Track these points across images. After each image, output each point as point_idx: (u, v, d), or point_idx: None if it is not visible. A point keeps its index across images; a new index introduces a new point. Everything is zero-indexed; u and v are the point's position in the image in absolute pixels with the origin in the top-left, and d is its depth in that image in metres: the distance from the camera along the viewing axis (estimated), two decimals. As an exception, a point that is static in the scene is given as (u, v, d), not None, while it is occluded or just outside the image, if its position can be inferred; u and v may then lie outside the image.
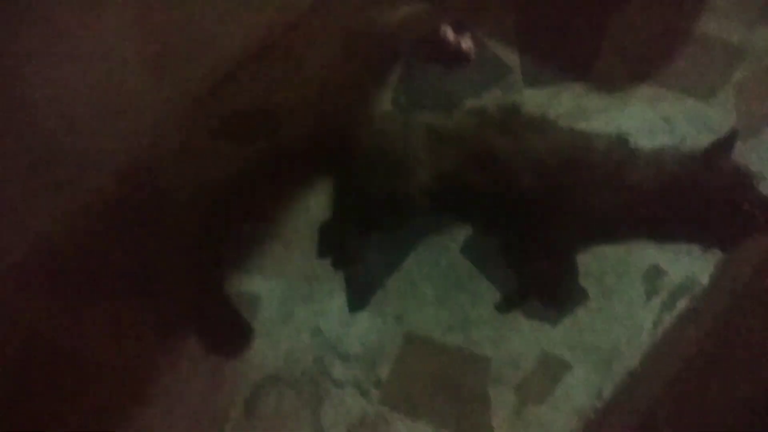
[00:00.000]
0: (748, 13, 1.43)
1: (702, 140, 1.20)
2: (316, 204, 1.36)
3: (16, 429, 1.16)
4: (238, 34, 1.56)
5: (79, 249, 1.37)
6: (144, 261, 1.34)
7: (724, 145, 1.14)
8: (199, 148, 1.48)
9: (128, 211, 1.41)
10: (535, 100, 1.41)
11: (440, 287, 1.19)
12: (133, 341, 1.24)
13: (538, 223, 1.18)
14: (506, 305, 1.14)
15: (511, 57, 1.51)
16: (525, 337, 1.10)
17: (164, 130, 1.50)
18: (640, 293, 1.10)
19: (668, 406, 1.48)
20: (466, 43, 1.53)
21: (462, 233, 1.26)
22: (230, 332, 1.23)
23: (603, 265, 1.15)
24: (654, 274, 1.12)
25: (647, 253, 1.14)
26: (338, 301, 1.22)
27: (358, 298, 1.21)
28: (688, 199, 1.11)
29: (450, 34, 1.54)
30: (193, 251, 1.33)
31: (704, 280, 1.10)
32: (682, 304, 1.08)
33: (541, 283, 1.13)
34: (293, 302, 1.24)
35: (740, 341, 1.56)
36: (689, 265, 1.11)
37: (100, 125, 1.37)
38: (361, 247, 1.28)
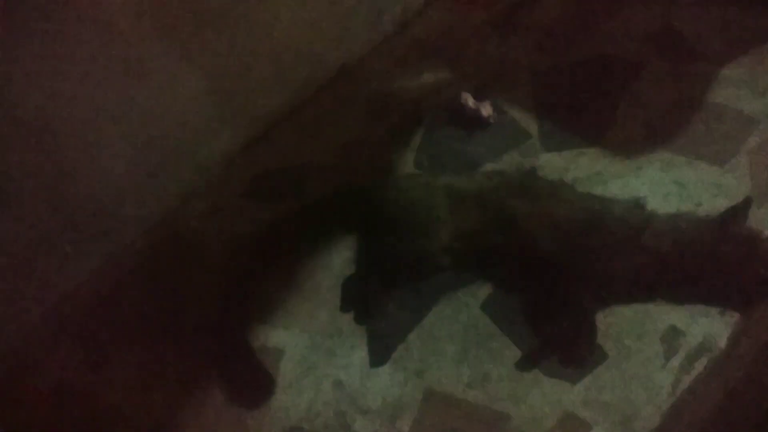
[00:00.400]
0: (758, 82, 1.49)
1: (716, 204, 1.24)
2: (339, 260, 1.41)
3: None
4: (270, 94, 1.66)
5: (107, 301, 1.42)
6: (171, 314, 1.38)
7: (739, 211, 1.17)
8: (228, 206, 1.55)
9: (157, 266, 1.48)
10: (552, 164, 1.47)
11: (460, 343, 1.22)
12: (159, 391, 1.27)
13: (557, 284, 1.21)
14: (526, 363, 1.16)
15: (529, 123, 1.58)
16: (545, 396, 1.11)
17: (196, 189, 1.58)
18: (659, 353, 1.11)
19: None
20: (486, 110, 1.61)
21: (482, 291, 1.29)
22: (253, 383, 1.25)
23: (622, 325, 1.16)
24: (672, 335, 1.13)
25: (665, 315, 1.16)
26: (360, 355, 1.25)
27: (379, 353, 1.24)
28: (704, 263, 1.14)
29: (470, 100, 1.62)
30: (220, 305, 1.38)
31: (722, 342, 1.11)
32: (700, 365, 1.09)
33: (560, 342, 1.15)
34: (316, 356, 1.27)
35: (758, 398, 1.54)
36: (707, 327, 1.13)
37: (136, 183, 1.45)
38: (384, 303, 1.31)
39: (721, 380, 1.26)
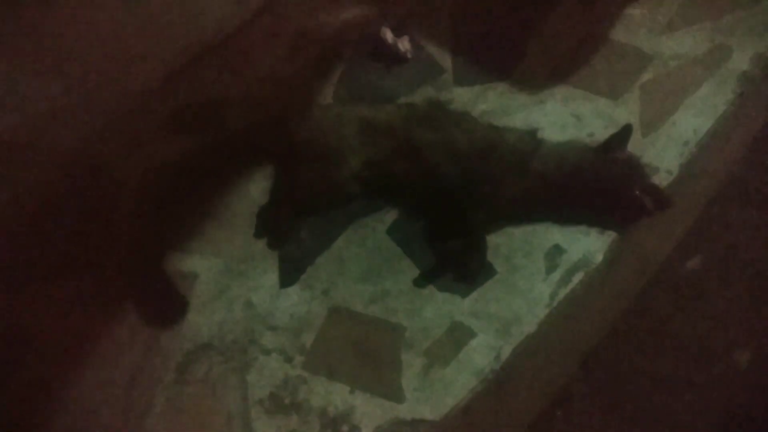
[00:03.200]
0: (657, 23, 1.57)
1: (607, 135, 1.32)
2: (256, 189, 1.45)
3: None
4: (191, 28, 1.65)
5: (25, 230, 1.44)
6: (87, 241, 1.41)
7: (620, 138, 1.26)
8: (147, 137, 1.56)
9: (74, 195, 1.49)
10: (463, 98, 1.53)
11: (365, 265, 1.29)
12: (74, 314, 1.31)
13: (455, 207, 1.29)
14: (423, 280, 1.24)
15: (444, 58, 1.63)
16: (437, 308, 1.20)
17: (115, 121, 1.58)
18: (541, 269, 1.21)
19: (581, 380, 1.60)
20: (404, 45, 1.64)
21: (388, 217, 1.35)
22: (167, 305, 1.31)
23: (511, 244, 1.25)
24: (555, 253, 1.23)
25: (550, 234, 1.25)
26: (271, 277, 1.31)
27: (289, 275, 1.31)
28: (586, 186, 1.23)
29: (389, 35, 1.65)
30: (137, 232, 1.41)
31: (599, 258, 1.21)
32: (577, 278, 1.19)
33: (454, 260, 1.24)
34: (228, 279, 1.33)
35: (648, 320, 1.70)
36: (586, 245, 1.23)
37: (54, 114, 1.44)
38: (296, 230, 1.37)
39: (604, 293, 1.38)
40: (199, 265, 1.35)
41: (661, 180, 1.29)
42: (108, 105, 1.57)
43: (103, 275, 1.35)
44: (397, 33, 1.66)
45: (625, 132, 1.25)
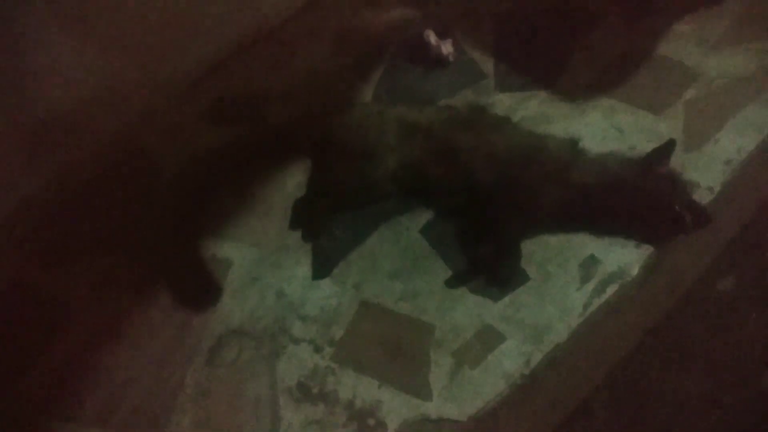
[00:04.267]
0: (704, 40, 1.56)
1: (648, 149, 1.31)
2: (292, 182, 1.47)
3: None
4: (234, 21, 1.69)
5: (63, 208, 1.48)
6: (125, 223, 1.44)
7: (663, 152, 1.25)
8: (188, 126, 1.59)
9: (114, 178, 1.53)
10: (503, 104, 1.54)
11: (397, 262, 1.30)
12: (109, 293, 1.35)
13: (491, 212, 1.29)
14: (455, 281, 1.25)
15: (487, 64, 1.64)
16: (468, 310, 1.21)
17: (157, 107, 1.62)
18: (576, 279, 1.21)
19: (604, 393, 1.58)
20: (447, 48, 1.66)
21: (422, 217, 1.36)
22: (201, 290, 1.33)
23: (545, 252, 1.25)
24: (590, 263, 1.23)
25: (586, 244, 1.25)
26: (304, 269, 1.33)
27: (321, 268, 1.32)
28: (626, 198, 1.23)
29: (433, 38, 1.67)
30: (174, 217, 1.44)
31: (634, 270, 1.21)
32: (611, 289, 1.18)
33: (487, 264, 1.24)
34: (262, 268, 1.35)
35: (677, 337, 1.67)
36: (623, 257, 1.22)
37: (99, 98, 1.48)
38: (330, 224, 1.38)
39: (636, 309, 1.37)
40: (234, 253, 1.37)
41: (702, 197, 1.28)
42: (156, 89, 1.60)
43: (140, 256, 1.38)
44: (441, 36, 1.67)
45: (669, 147, 1.25)
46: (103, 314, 1.31)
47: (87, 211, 1.47)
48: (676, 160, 1.30)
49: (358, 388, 1.15)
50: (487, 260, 1.25)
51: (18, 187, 1.46)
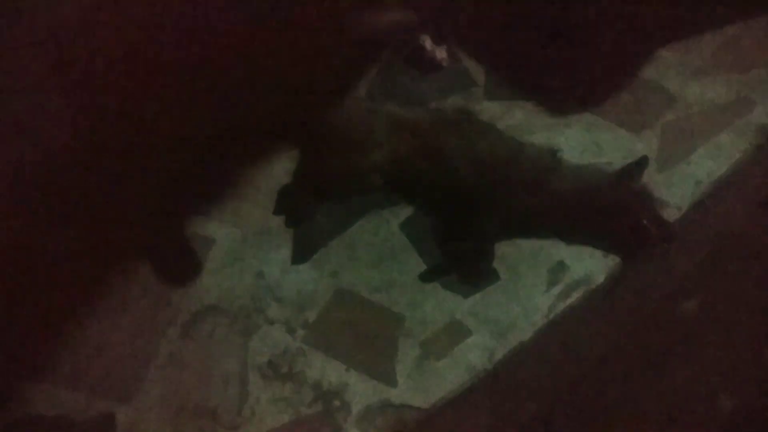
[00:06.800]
0: (686, 67, 1.63)
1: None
2: (280, 169, 1.51)
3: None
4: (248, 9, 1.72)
5: (59, 179, 1.49)
6: (113, 194, 1.47)
7: (636, 168, 1.30)
8: (179, 108, 1.62)
9: (108, 151, 1.55)
10: (490, 111, 1.59)
11: (375, 254, 1.34)
12: (93, 261, 1.37)
13: (469, 211, 1.33)
14: (428, 276, 1.29)
15: (478, 72, 1.69)
16: (438, 304, 1.25)
17: (157, 84, 1.64)
18: (543, 282, 1.26)
19: (567, 403, 1.63)
20: (441, 54, 1.71)
21: (404, 212, 1.41)
22: (181, 264, 1.36)
23: (517, 254, 1.30)
24: (558, 268, 1.28)
25: (557, 250, 1.30)
26: (284, 253, 1.37)
27: (301, 253, 1.36)
28: (598, 208, 1.28)
29: (429, 42, 1.72)
30: (164, 192, 1.47)
31: (600, 279, 1.26)
32: (576, 294, 1.24)
33: (461, 262, 1.29)
34: (243, 248, 1.38)
35: (640, 354, 1.73)
36: (590, 265, 1.28)
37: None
38: (313, 212, 1.42)
39: (593, 316, 1.42)
40: (218, 232, 1.41)
41: (670, 215, 1.34)
42: (154, 66, 1.63)
43: (124, 227, 1.41)
44: (436, 41, 1.72)
45: (642, 163, 1.30)
46: (82, 281, 1.33)
47: (75, 180, 1.49)
48: (649, 178, 1.36)
49: (326, 370, 1.19)
50: (461, 258, 1.29)
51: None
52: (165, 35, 1.58)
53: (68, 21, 1.46)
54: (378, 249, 1.35)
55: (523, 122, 1.55)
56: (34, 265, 1.37)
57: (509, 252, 1.31)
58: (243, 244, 1.38)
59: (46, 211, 1.45)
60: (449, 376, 1.16)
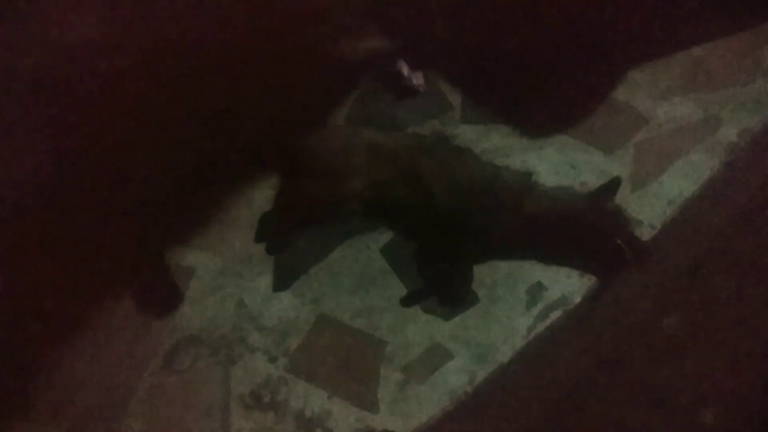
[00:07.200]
0: (656, 88, 1.67)
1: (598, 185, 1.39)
2: (260, 196, 1.52)
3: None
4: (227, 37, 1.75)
5: (37, 207, 1.50)
6: (95, 226, 1.47)
7: (609, 188, 1.34)
8: (165, 135, 1.63)
9: (89, 180, 1.55)
10: (467, 135, 1.62)
11: (356, 279, 1.36)
12: (75, 293, 1.37)
13: (447, 235, 1.35)
14: (409, 300, 1.30)
15: (454, 96, 1.73)
16: (419, 328, 1.26)
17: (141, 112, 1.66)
18: (522, 303, 1.28)
19: (551, 421, 1.64)
20: (418, 79, 1.74)
21: (384, 237, 1.42)
22: (162, 295, 1.36)
23: (495, 276, 1.32)
24: (536, 289, 1.30)
25: (534, 271, 1.32)
26: (265, 280, 1.38)
27: (283, 280, 1.37)
28: (572, 229, 1.31)
29: (405, 69, 1.75)
30: (141, 223, 1.48)
31: (577, 299, 1.28)
32: (555, 315, 1.26)
33: (441, 285, 1.30)
34: (224, 277, 1.39)
35: (621, 371, 1.75)
36: (567, 286, 1.30)
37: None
38: (294, 239, 1.43)
39: (572, 336, 1.44)
40: (198, 261, 1.41)
41: (644, 234, 1.37)
42: (134, 96, 1.65)
43: (105, 258, 1.41)
44: (413, 67, 1.76)
45: (614, 183, 1.33)
46: (64, 314, 1.33)
47: (56, 211, 1.49)
48: (622, 198, 1.39)
49: (308, 398, 1.20)
50: (440, 281, 1.31)
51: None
52: (148, 68, 1.61)
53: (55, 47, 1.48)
54: (359, 274, 1.37)
55: (499, 145, 1.58)
56: (14, 297, 1.36)
57: (487, 273, 1.33)
58: (224, 272, 1.39)
59: (25, 241, 1.44)
60: (431, 400, 1.17)
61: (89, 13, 1.54)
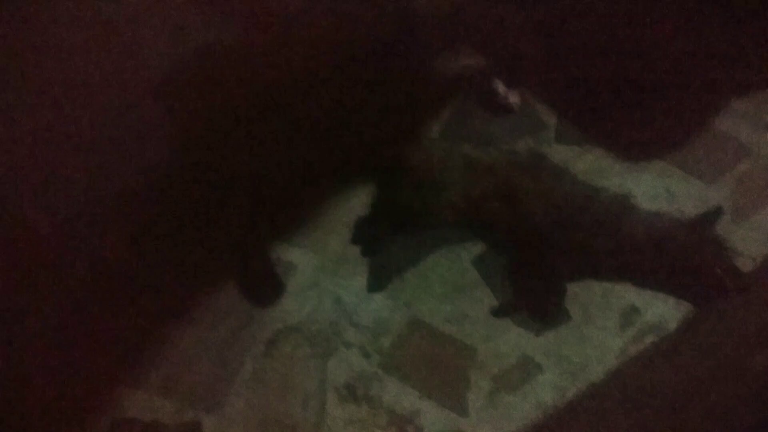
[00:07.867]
0: (760, 120, 1.65)
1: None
2: (358, 202, 1.60)
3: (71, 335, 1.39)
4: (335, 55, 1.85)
5: (156, 199, 1.63)
6: (204, 222, 1.58)
7: (710, 217, 1.33)
8: (282, 141, 1.74)
9: (196, 183, 1.68)
10: (561, 154, 1.64)
11: (448, 287, 1.40)
12: (188, 277, 1.48)
13: (542, 252, 1.39)
14: (501, 311, 1.34)
15: (549, 116, 1.75)
16: (511, 340, 1.30)
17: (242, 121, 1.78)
18: (616, 324, 1.29)
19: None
20: (514, 97, 1.78)
21: (476, 248, 1.47)
22: (265, 286, 1.46)
23: (589, 296, 1.34)
24: (630, 312, 1.31)
25: (628, 293, 1.33)
26: (360, 281, 1.44)
27: (377, 282, 1.43)
28: (671, 256, 1.31)
29: (501, 87, 1.80)
30: (248, 219, 1.58)
31: (672, 325, 1.28)
32: (648, 339, 1.26)
33: (533, 300, 1.33)
34: (323, 275, 1.47)
35: (707, 404, 1.71)
36: (662, 311, 1.30)
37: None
38: (389, 242, 1.50)
39: (664, 364, 1.43)
40: (299, 258, 1.50)
41: (744, 265, 1.35)
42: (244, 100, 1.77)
43: (217, 249, 1.52)
44: (509, 85, 1.80)
45: (716, 213, 1.33)
46: (176, 295, 1.44)
47: (171, 204, 1.61)
48: (723, 228, 1.38)
49: (400, 395, 1.25)
50: (533, 296, 1.34)
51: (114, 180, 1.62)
52: (265, 74, 1.72)
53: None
54: (451, 282, 1.41)
55: (594, 167, 1.59)
56: (137, 278, 1.49)
57: (580, 292, 1.35)
58: (322, 270, 1.47)
59: (147, 228, 1.57)
60: (520, 411, 1.20)
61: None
